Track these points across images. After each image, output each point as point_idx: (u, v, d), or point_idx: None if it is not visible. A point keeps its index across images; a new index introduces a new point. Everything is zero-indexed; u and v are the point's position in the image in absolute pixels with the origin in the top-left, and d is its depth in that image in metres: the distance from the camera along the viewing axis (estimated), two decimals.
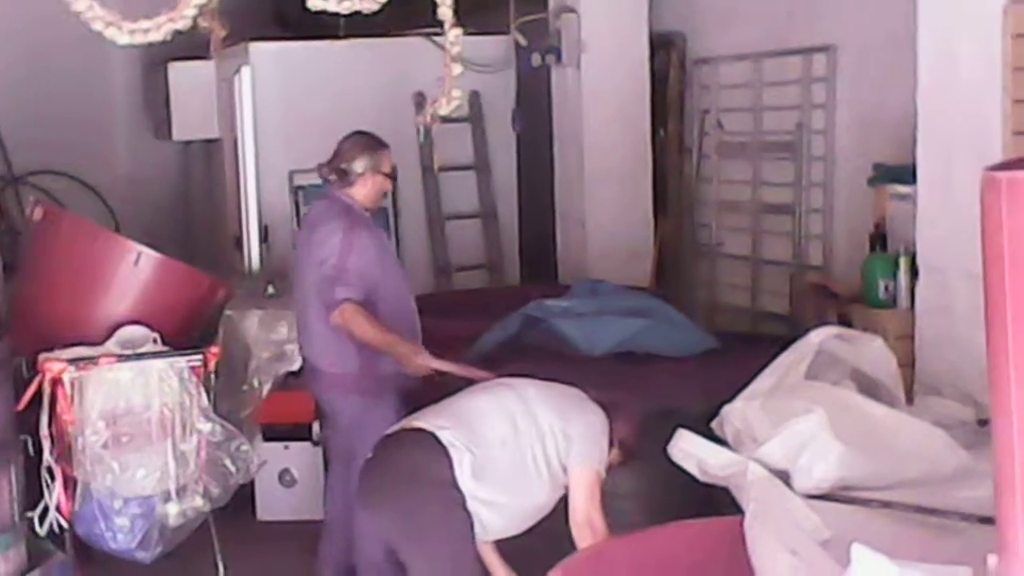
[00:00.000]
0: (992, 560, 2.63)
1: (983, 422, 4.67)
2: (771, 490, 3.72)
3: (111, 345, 5.26)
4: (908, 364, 5.08)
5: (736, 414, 4.26)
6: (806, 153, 6.86)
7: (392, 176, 5.31)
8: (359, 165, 5.18)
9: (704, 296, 7.70)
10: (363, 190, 5.21)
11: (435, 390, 4.66)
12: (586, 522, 4.03)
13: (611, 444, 4.19)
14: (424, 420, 4.08)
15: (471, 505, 3.96)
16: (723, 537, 3.66)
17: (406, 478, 4.01)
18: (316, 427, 6.42)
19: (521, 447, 4.03)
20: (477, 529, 4.02)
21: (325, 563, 5.42)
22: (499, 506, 4.00)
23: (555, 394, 4.21)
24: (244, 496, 6.05)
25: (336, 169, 5.20)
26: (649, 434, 4.25)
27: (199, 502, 5.21)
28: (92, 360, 5.07)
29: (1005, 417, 2.46)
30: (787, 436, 3.91)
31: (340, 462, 5.28)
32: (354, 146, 5.24)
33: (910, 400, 4.78)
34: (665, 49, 7.81)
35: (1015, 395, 2.41)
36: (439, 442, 3.95)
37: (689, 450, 4.06)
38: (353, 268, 4.98)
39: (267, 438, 6.32)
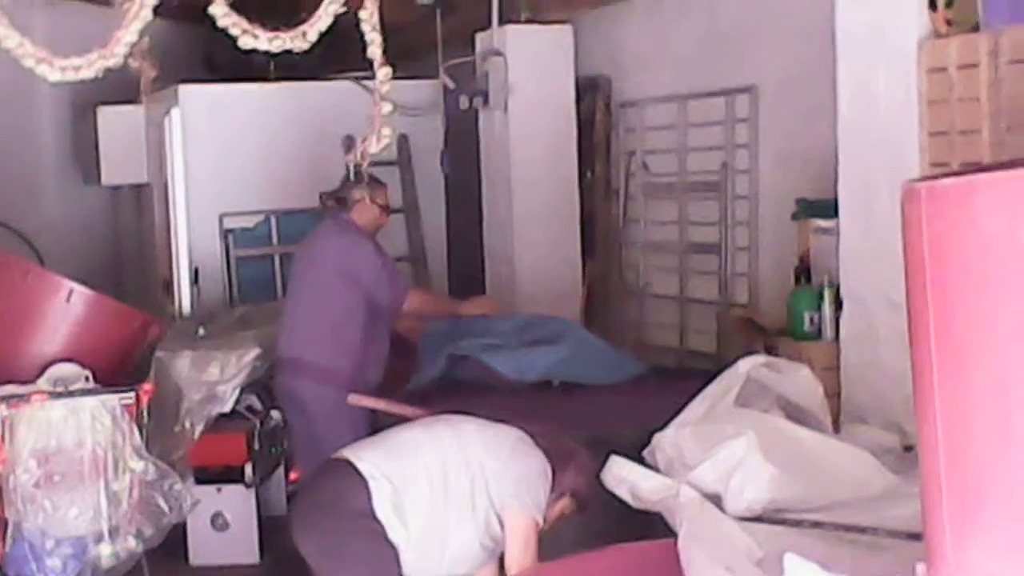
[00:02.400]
0: (920, 568, 2.69)
1: (908, 448, 4.77)
2: (703, 512, 3.78)
3: (42, 383, 5.23)
4: (834, 394, 5.18)
5: (668, 441, 4.32)
6: (731, 192, 6.95)
7: (387, 210, 5.95)
8: (356, 193, 5.81)
9: (633, 336, 7.76)
10: (359, 216, 5.80)
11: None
12: (520, 564, 3.88)
13: (562, 494, 4.03)
14: (350, 450, 4.04)
15: (392, 537, 3.86)
16: (657, 559, 3.71)
17: (326, 507, 3.96)
18: (248, 470, 6.41)
19: (448, 485, 3.91)
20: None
21: None
22: (415, 542, 3.88)
23: (494, 435, 4.07)
24: (176, 540, 6.03)
25: (336, 196, 5.88)
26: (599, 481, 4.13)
27: (132, 543, 5.19)
28: (23, 398, 5.05)
29: (930, 424, 2.51)
30: (718, 460, 3.98)
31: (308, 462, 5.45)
32: (348, 179, 5.89)
33: (837, 428, 4.87)
34: (591, 92, 7.91)
35: (939, 400, 2.47)
36: (358, 472, 3.90)
37: (622, 476, 4.11)
38: (392, 266, 5.79)
39: (199, 480, 6.27)
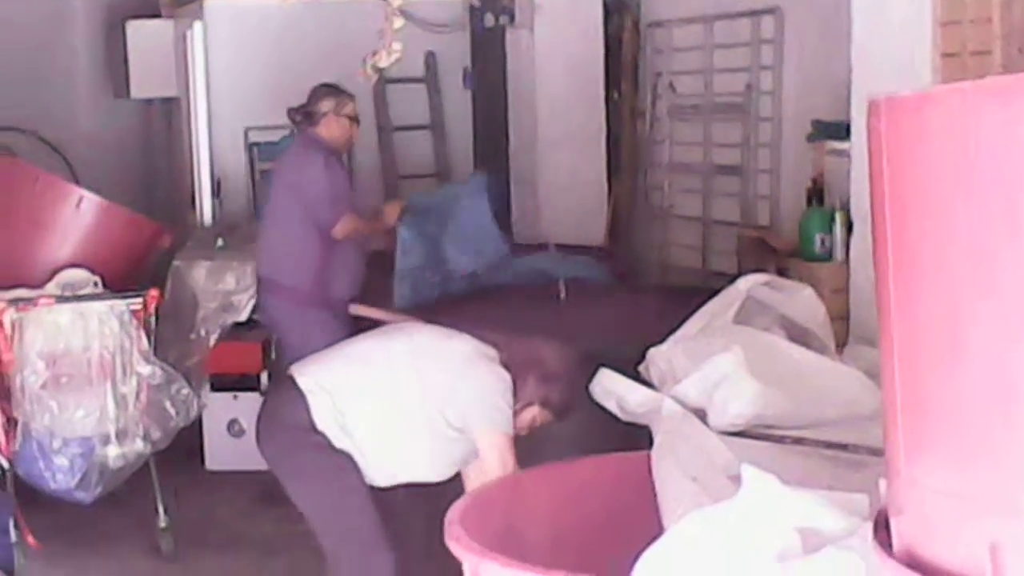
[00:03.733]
0: (883, 484, 2.69)
1: None
2: (683, 424, 3.77)
3: (51, 287, 5.31)
4: (843, 317, 5.16)
5: (661, 356, 4.32)
6: (754, 114, 6.92)
7: (355, 121, 5.89)
8: (323, 106, 5.79)
9: (656, 257, 7.76)
10: (327, 130, 5.79)
11: None
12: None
13: (528, 404, 3.94)
14: (297, 366, 4.04)
15: (338, 446, 3.86)
16: (637, 471, 3.73)
17: (272, 423, 4.02)
18: (264, 378, 6.50)
19: (396, 395, 3.88)
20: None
21: None
22: (365, 450, 3.87)
23: (448, 346, 3.98)
24: (193, 445, 6.15)
25: (303, 111, 5.82)
26: (579, 384, 4.06)
27: (139, 445, 5.27)
28: (32, 301, 5.12)
29: (887, 340, 2.50)
30: (703, 374, 3.96)
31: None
32: (318, 91, 5.87)
33: (840, 349, 4.85)
34: (619, 12, 7.86)
35: (895, 317, 2.46)
36: (298, 387, 3.91)
37: (609, 388, 4.11)
38: (337, 188, 5.71)
39: (215, 388, 6.39)
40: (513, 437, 3.87)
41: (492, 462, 3.82)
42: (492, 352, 3.96)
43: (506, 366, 3.92)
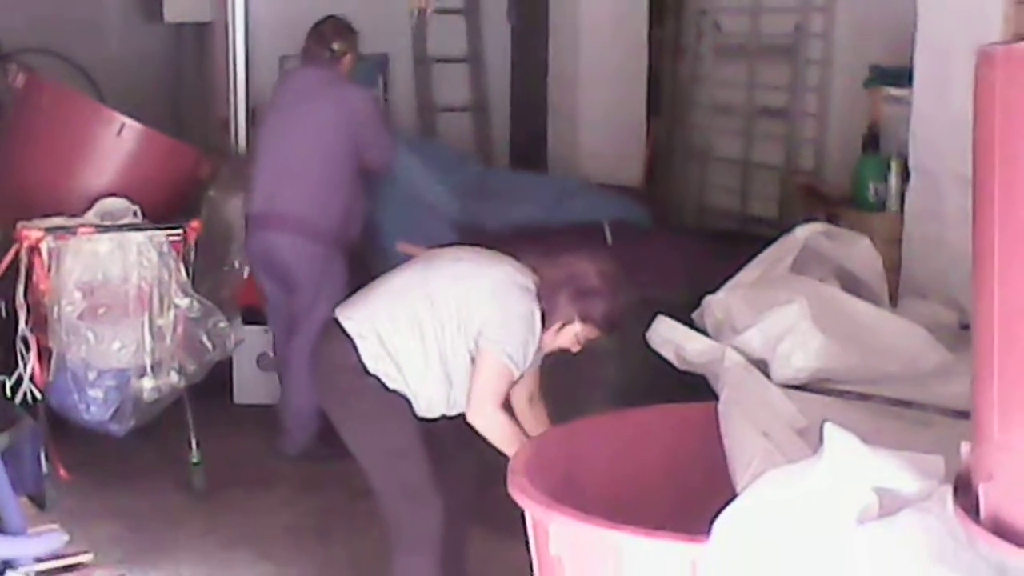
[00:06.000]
0: (965, 447, 2.59)
1: (965, 326, 4.65)
2: (747, 377, 3.68)
3: (91, 216, 5.20)
4: (894, 268, 5.04)
5: (718, 304, 4.21)
6: (803, 56, 6.77)
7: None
8: (347, 44, 5.70)
9: (694, 198, 7.66)
10: (347, 69, 5.67)
11: None
12: (477, 410, 3.78)
13: (566, 323, 3.85)
14: (340, 309, 3.98)
15: (392, 386, 3.84)
16: (697, 421, 3.64)
17: (324, 373, 4.00)
18: None
19: (439, 325, 3.82)
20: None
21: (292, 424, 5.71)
22: (417, 386, 3.85)
23: (487, 274, 3.89)
24: (221, 379, 6.06)
25: (328, 47, 5.68)
26: (621, 298, 3.91)
27: (174, 378, 5.18)
28: (70, 230, 5.01)
29: (986, 301, 2.40)
30: (767, 325, 3.86)
31: (292, 319, 5.60)
32: (341, 28, 5.76)
33: (894, 302, 4.75)
34: None
35: (998, 277, 2.35)
36: (345, 332, 3.87)
37: (668, 336, 4.01)
38: (389, 125, 5.86)
39: (246, 321, 6.27)
40: (512, 378, 3.81)
41: (476, 383, 3.78)
42: (529, 282, 3.88)
43: (539, 290, 3.85)
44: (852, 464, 2.73)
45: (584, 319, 3.87)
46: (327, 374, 3.98)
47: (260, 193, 5.63)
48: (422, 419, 3.92)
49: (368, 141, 5.60)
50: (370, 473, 3.96)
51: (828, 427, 2.81)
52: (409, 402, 3.88)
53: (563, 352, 3.99)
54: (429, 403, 3.90)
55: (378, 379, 3.84)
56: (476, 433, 3.82)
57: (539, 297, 3.85)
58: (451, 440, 4.02)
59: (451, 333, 3.82)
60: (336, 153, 5.55)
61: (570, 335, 3.91)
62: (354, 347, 3.84)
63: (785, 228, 6.20)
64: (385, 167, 5.74)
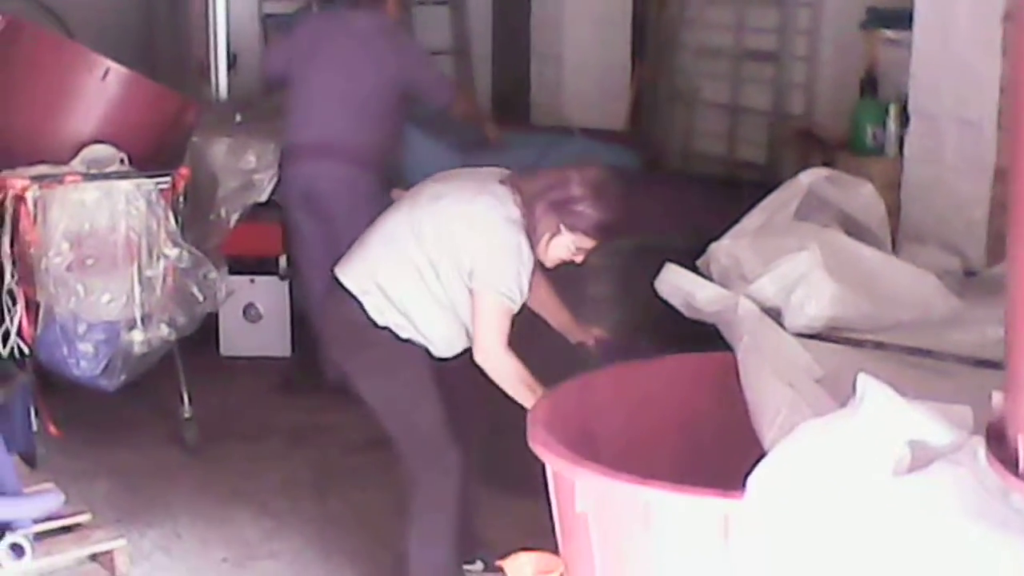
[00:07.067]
0: (997, 396, 2.54)
1: (970, 272, 4.61)
2: (762, 325, 3.62)
3: (76, 164, 5.04)
4: (893, 213, 4.98)
5: (724, 251, 4.14)
6: None
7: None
8: None
9: (680, 143, 7.55)
10: (392, 8, 5.86)
11: None
12: (484, 353, 3.71)
13: (553, 234, 3.75)
14: (339, 266, 3.92)
15: (404, 335, 3.79)
16: (712, 371, 3.59)
17: (335, 332, 3.96)
18: (283, 261, 6.30)
19: (435, 264, 3.76)
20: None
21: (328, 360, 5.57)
22: (428, 329, 3.80)
23: (472, 210, 3.78)
24: (207, 330, 5.94)
25: None
26: (606, 200, 3.78)
27: (164, 330, 5.07)
28: (56, 178, 4.87)
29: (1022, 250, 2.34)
30: (779, 273, 3.80)
31: (319, 247, 5.53)
32: None
33: (894, 248, 4.70)
34: None
35: None
36: (347, 290, 3.83)
37: (677, 284, 3.96)
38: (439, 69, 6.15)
39: (232, 271, 6.13)
40: (513, 311, 3.72)
41: (478, 327, 3.71)
42: (511, 209, 3.77)
43: (521, 208, 3.76)
44: (888, 416, 2.68)
45: (571, 228, 3.77)
46: (337, 333, 3.94)
47: (309, 125, 5.67)
48: (444, 360, 3.87)
49: (427, 88, 5.84)
50: (387, 425, 3.89)
51: (862, 378, 2.75)
52: (425, 350, 3.83)
53: (568, 264, 3.89)
54: (447, 343, 3.85)
55: (389, 330, 3.78)
56: (488, 380, 3.75)
57: (523, 215, 3.75)
58: (463, 395, 3.95)
59: (446, 271, 3.75)
60: (388, 94, 5.72)
61: (562, 247, 3.80)
62: (359, 304, 3.78)
63: (775, 173, 6.20)
64: (448, 104, 5.97)
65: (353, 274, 3.85)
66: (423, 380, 3.81)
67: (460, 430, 3.87)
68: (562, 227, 3.76)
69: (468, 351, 3.84)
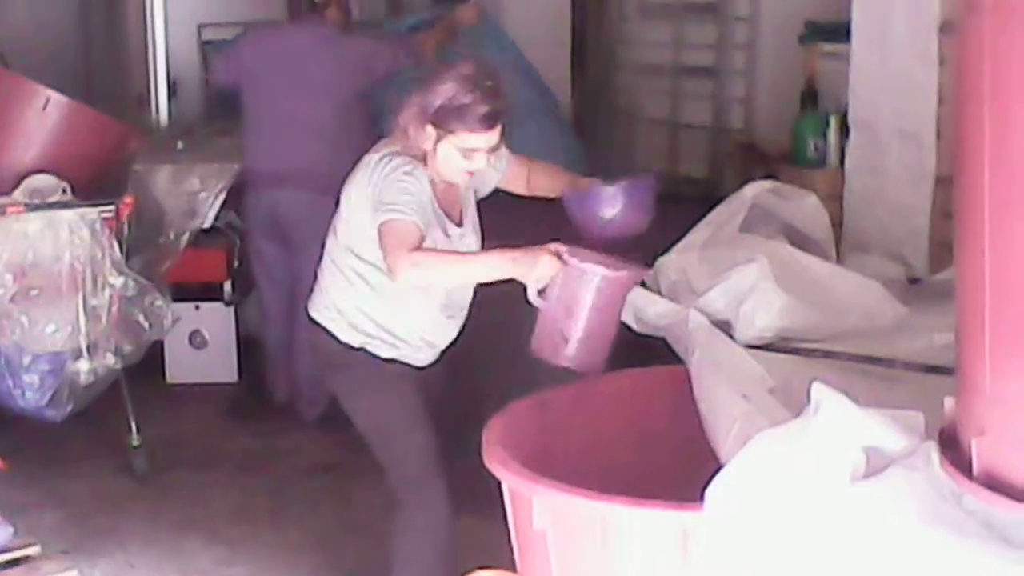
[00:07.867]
0: (949, 402, 2.57)
1: (913, 280, 4.67)
2: (713, 338, 3.65)
3: (18, 194, 5.00)
4: (836, 223, 5.04)
5: (672, 265, 4.17)
6: (729, 14, 6.74)
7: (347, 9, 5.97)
8: None
9: (622, 160, 7.60)
10: (333, 15, 5.78)
11: None
12: (397, 268, 3.44)
13: (434, 143, 3.57)
14: (308, 303, 3.91)
15: (382, 353, 3.75)
16: (665, 385, 3.61)
17: (316, 354, 3.93)
18: (228, 287, 6.27)
19: (360, 272, 3.70)
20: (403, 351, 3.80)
21: (277, 383, 5.79)
22: (392, 329, 3.74)
23: (344, 194, 3.75)
24: (153, 358, 5.90)
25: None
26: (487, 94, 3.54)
27: (110, 359, 5.04)
28: None
29: (975, 255, 2.37)
30: (728, 285, 3.83)
31: (280, 273, 5.65)
32: None
33: (840, 258, 4.75)
34: None
35: (988, 235, 2.32)
36: (316, 322, 3.83)
37: (628, 300, 3.97)
38: (387, 46, 5.83)
39: (176, 298, 6.06)
40: (416, 229, 3.49)
41: (383, 248, 3.51)
42: (387, 149, 3.65)
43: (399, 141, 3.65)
44: (844, 424, 2.72)
45: (450, 131, 3.56)
46: (319, 361, 3.94)
47: (264, 151, 5.62)
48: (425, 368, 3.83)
49: (389, 68, 5.68)
50: (374, 448, 3.83)
51: (817, 386, 2.79)
52: (408, 368, 3.78)
53: (476, 175, 3.73)
54: (434, 327, 3.78)
55: (366, 351, 3.75)
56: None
57: (401, 147, 3.63)
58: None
59: (368, 253, 3.65)
60: (345, 110, 5.58)
61: (452, 154, 3.59)
62: (328, 331, 3.78)
63: (716, 187, 6.25)
64: (416, 58, 5.75)
65: (314, 304, 3.86)
66: (410, 406, 3.76)
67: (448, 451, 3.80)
68: (434, 131, 3.56)
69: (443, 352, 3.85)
